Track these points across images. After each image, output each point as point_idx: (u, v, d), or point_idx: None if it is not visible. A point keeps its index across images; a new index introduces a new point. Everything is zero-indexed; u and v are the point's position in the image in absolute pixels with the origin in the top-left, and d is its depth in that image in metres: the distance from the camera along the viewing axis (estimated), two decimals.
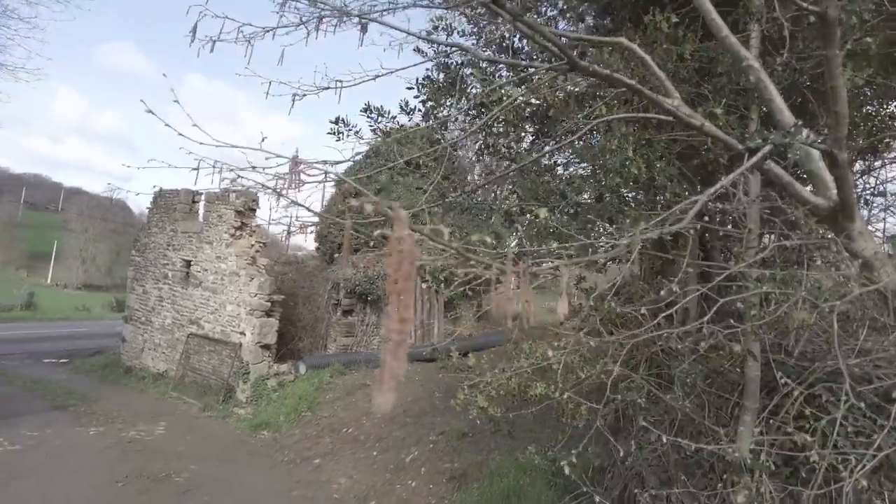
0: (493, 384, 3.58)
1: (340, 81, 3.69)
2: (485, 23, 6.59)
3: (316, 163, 2.57)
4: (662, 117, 3.04)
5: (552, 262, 1.73)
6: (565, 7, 6.09)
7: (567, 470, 3.45)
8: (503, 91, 4.89)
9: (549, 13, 6.42)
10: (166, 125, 1.38)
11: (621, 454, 4.13)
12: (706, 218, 3.74)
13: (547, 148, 3.75)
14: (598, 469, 4.98)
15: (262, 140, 1.89)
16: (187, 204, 14.00)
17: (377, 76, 3.66)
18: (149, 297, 14.60)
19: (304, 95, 4.02)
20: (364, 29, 3.03)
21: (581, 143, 5.01)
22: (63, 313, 24.75)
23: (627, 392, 3.58)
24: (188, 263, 13.65)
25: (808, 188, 3.45)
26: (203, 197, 13.54)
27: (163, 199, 14.29)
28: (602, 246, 2.13)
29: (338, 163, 2.60)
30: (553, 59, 3.05)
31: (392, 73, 3.69)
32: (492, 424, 4.43)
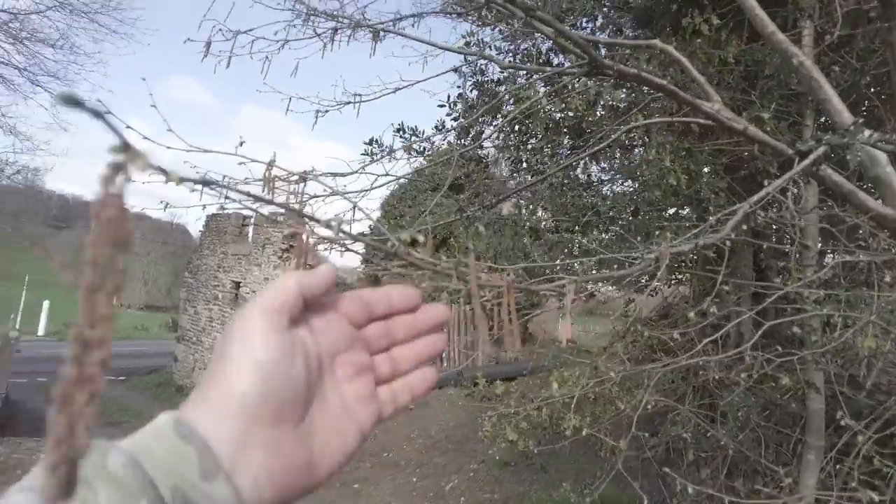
0: (520, 415, 3.32)
1: (360, 95, 3.58)
2: (520, 41, 6.43)
3: (318, 174, 2.43)
4: (702, 121, 2.76)
5: (566, 277, 1.49)
6: (604, 21, 5.87)
7: None
8: (539, 106, 4.69)
9: (588, 27, 6.20)
10: (127, 127, 1.24)
11: (677, 488, 3.76)
12: (756, 232, 3.39)
13: (574, 157, 3.51)
14: None
15: (241, 144, 1.74)
16: (237, 227, 14.33)
17: (397, 88, 3.53)
18: (200, 318, 14.95)
19: (327, 111, 3.93)
20: (376, 37, 2.90)
21: (619, 157, 4.73)
22: (124, 332, 25.83)
23: (672, 426, 3.24)
24: (237, 285, 13.92)
25: (876, 197, 3.07)
26: (252, 220, 13.82)
27: (214, 223, 14.69)
28: (626, 260, 1.88)
29: (343, 175, 2.45)
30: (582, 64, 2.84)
31: (413, 84, 3.56)
32: (525, 458, 4.13)
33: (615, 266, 1.99)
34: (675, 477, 2.83)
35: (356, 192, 2.70)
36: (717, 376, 2.81)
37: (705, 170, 4.07)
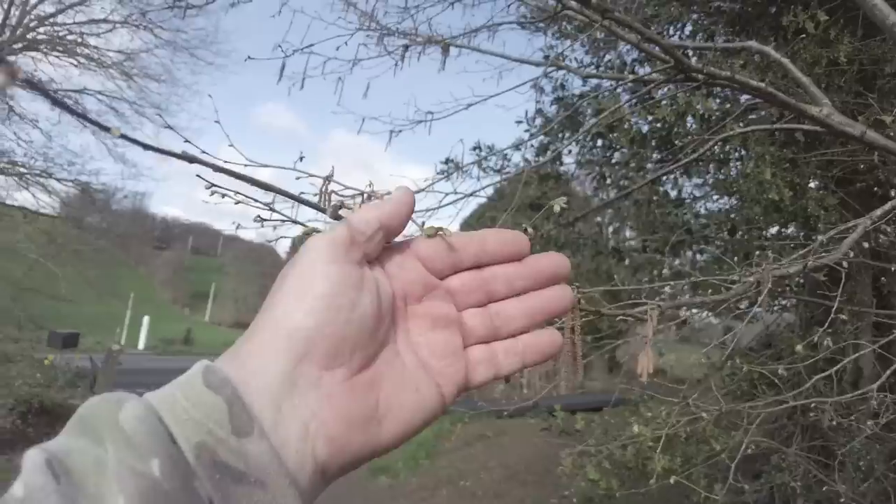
0: (603, 453, 3.04)
1: (431, 113, 3.51)
2: (602, 52, 6.19)
3: (383, 193, 2.35)
4: (808, 128, 2.43)
5: (649, 302, 1.29)
6: (693, 28, 5.52)
7: None
8: (624, 117, 4.43)
9: (676, 35, 5.86)
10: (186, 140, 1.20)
11: None
12: (877, 253, 2.96)
13: (662, 170, 3.23)
14: None
15: (300, 159, 1.67)
16: None
17: (470, 104, 3.43)
18: None
19: (400, 131, 3.90)
20: (446, 50, 2.82)
21: (712, 172, 4.37)
22: (215, 348, 27.44)
23: (778, 472, 2.85)
24: None
25: None
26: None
27: (300, 244, 15.26)
28: (722, 284, 1.63)
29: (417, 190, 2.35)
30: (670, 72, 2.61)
31: (487, 99, 3.45)
32: (609, 498, 3.82)
33: (710, 291, 1.74)
34: None
35: (423, 210, 2.60)
36: (833, 421, 2.42)
37: (812, 185, 3.65)
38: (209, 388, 0.36)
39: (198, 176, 1.17)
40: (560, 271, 0.48)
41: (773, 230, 3.70)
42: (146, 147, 0.52)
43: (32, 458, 0.32)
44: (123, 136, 0.45)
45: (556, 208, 0.91)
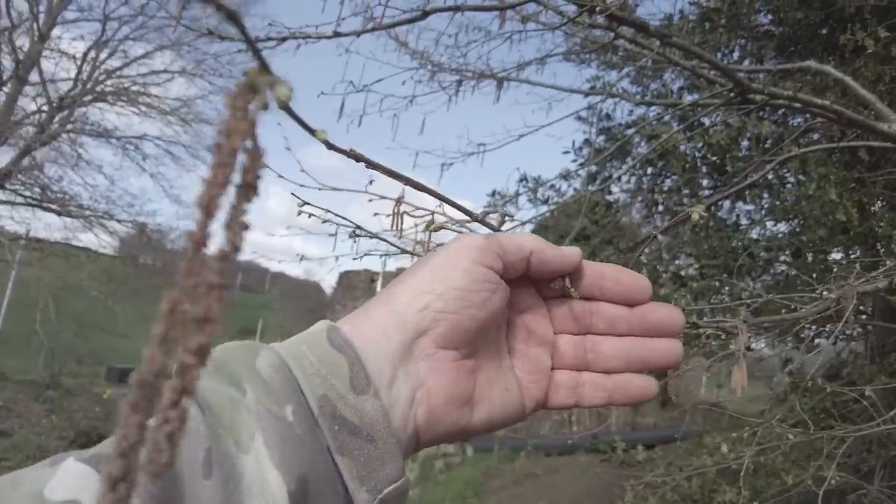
0: (668, 485, 2.93)
1: (483, 145, 3.57)
2: (648, 81, 6.20)
3: (445, 221, 2.39)
4: (875, 144, 2.37)
5: (731, 320, 1.27)
6: (741, 53, 5.49)
7: None
8: (675, 143, 4.41)
9: (725, 61, 5.83)
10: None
11: None
12: None
13: (718, 195, 3.18)
14: None
15: (370, 183, 1.73)
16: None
17: (521, 136, 3.48)
18: None
19: (452, 164, 3.97)
20: (500, 85, 2.88)
21: (767, 197, 4.27)
22: None
23: None
24: None
25: None
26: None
27: (346, 279, 15.51)
28: (796, 304, 1.59)
29: (467, 222, 2.38)
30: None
31: (537, 130, 3.49)
32: None
33: (783, 311, 1.70)
34: None
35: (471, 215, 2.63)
36: None
37: (878, 205, 3.52)
38: (333, 347, 0.40)
39: (292, 194, 1.22)
40: (669, 325, 0.48)
41: (839, 255, 3.58)
42: (336, 149, 0.59)
43: None
44: (328, 144, 0.49)
45: (695, 216, 0.90)
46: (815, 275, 3.03)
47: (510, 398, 0.47)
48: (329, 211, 1.17)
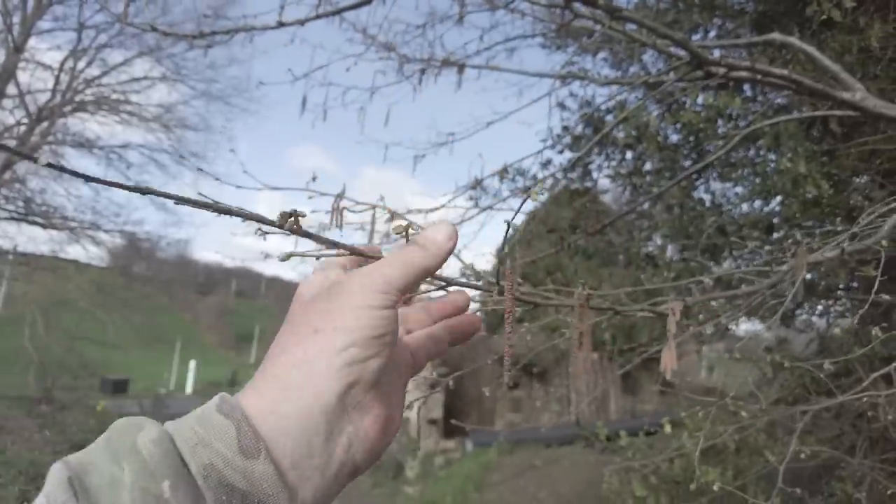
0: (649, 467, 2.89)
1: (453, 134, 3.52)
2: (626, 65, 6.15)
3: (402, 212, 2.34)
4: (842, 113, 2.33)
5: (674, 298, 1.23)
6: (718, 33, 5.45)
7: None
8: (651, 127, 4.36)
9: (703, 41, 5.79)
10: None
11: None
12: None
13: (690, 170, 3.14)
14: None
15: (313, 179, 1.69)
16: None
17: (489, 123, 3.43)
18: None
19: (424, 156, 3.92)
20: (461, 70, 2.83)
21: (748, 177, 4.24)
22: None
23: (837, 482, 2.66)
24: None
25: None
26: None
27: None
28: (752, 278, 1.55)
29: (428, 211, 2.34)
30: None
31: (506, 116, 3.45)
32: None
33: (742, 285, 1.65)
34: None
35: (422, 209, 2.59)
36: (890, 417, 2.25)
37: (857, 179, 3.49)
38: (220, 413, 0.40)
39: (257, 231, 1.17)
40: (460, 305, 0.62)
41: (815, 227, 3.54)
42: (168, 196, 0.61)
43: (56, 473, 0.35)
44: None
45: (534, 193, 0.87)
46: (788, 252, 2.99)
47: (401, 391, 0.53)
48: (311, 235, 1.12)
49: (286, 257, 1.21)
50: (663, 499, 2.85)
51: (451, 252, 0.50)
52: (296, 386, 0.42)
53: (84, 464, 0.36)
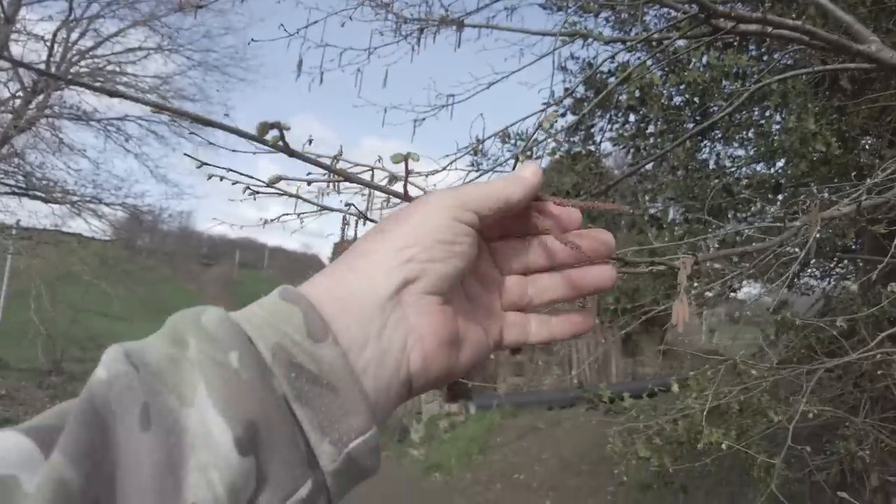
0: (653, 428, 2.91)
1: (452, 96, 3.45)
2: (630, 26, 6.00)
3: (400, 175, 2.30)
4: (855, 66, 2.26)
5: (683, 255, 1.20)
6: None
7: None
8: (655, 87, 4.26)
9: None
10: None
11: None
12: None
13: (693, 131, 3.07)
14: None
15: (309, 142, 1.64)
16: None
17: (490, 83, 3.36)
18: None
19: (423, 119, 3.85)
20: (460, 28, 2.75)
21: (753, 140, 4.16)
22: None
23: (842, 441, 2.67)
24: None
25: None
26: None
27: (341, 249, 15.49)
28: (761, 236, 1.51)
29: (427, 174, 2.29)
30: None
31: (507, 76, 3.37)
32: (665, 479, 3.67)
33: (753, 244, 1.62)
34: None
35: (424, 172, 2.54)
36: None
37: (866, 139, 3.42)
38: (285, 300, 0.39)
39: (186, 154, 1.13)
40: (605, 245, 0.50)
41: (824, 189, 3.48)
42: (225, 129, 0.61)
43: (111, 351, 0.34)
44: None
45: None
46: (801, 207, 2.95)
47: (483, 336, 0.48)
48: (232, 171, 1.08)
49: (275, 180, 1.18)
50: (667, 459, 2.88)
51: (536, 187, 0.48)
52: (354, 275, 0.42)
53: (142, 344, 0.36)
